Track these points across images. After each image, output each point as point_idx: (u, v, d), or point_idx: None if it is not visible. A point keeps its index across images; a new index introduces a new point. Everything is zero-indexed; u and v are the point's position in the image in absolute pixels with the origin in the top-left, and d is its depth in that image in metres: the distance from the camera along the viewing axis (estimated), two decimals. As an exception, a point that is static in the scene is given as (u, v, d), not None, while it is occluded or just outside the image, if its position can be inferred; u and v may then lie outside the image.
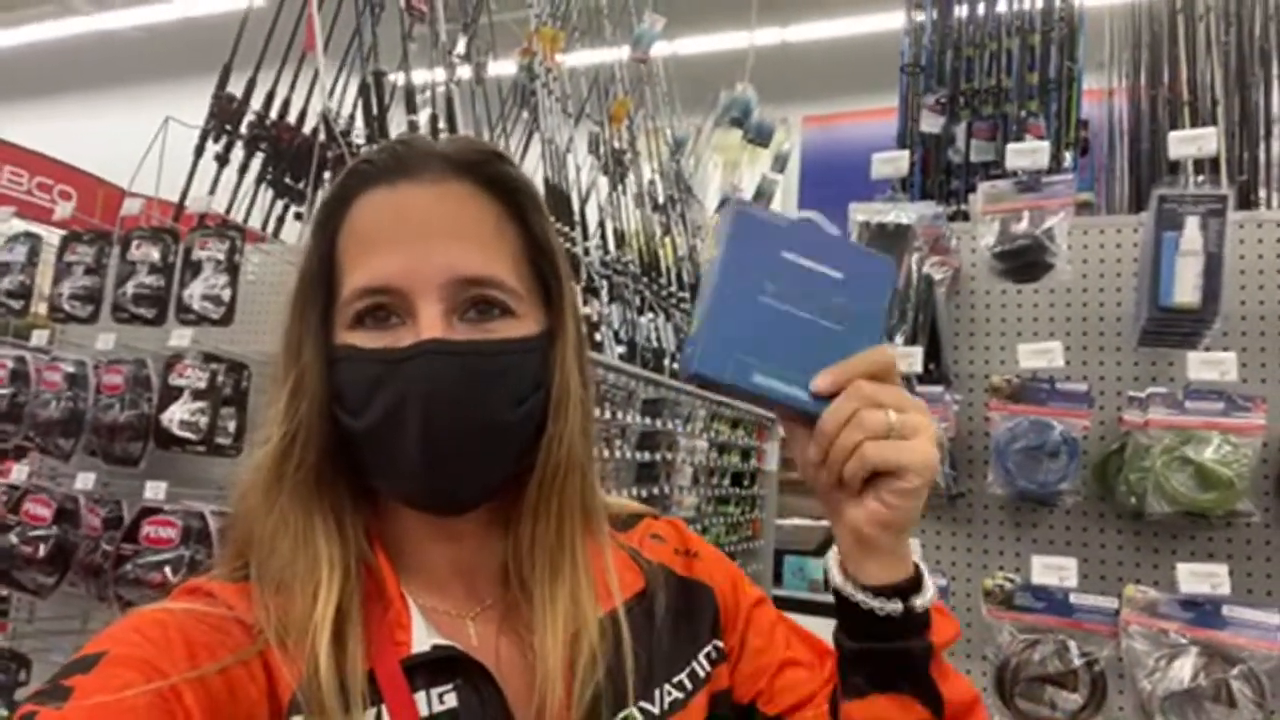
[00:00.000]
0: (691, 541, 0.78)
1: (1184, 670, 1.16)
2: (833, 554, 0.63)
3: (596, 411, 2.56)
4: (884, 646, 0.61)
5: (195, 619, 0.58)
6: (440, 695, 0.60)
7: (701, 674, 0.70)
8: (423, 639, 0.62)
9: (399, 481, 0.62)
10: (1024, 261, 1.40)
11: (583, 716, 0.61)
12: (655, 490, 3.03)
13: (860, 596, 0.60)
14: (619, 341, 2.94)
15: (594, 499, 0.68)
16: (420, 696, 0.59)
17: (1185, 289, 1.27)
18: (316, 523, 0.62)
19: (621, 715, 0.63)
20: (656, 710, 0.66)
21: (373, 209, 0.63)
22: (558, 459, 0.64)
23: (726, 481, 3.94)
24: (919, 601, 0.60)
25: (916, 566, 0.62)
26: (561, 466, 0.64)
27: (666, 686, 0.67)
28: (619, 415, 2.73)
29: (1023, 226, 1.39)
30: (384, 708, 0.58)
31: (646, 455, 2.94)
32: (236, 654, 0.57)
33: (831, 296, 0.58)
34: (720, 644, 0.73)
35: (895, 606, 0.60)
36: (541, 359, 0.65)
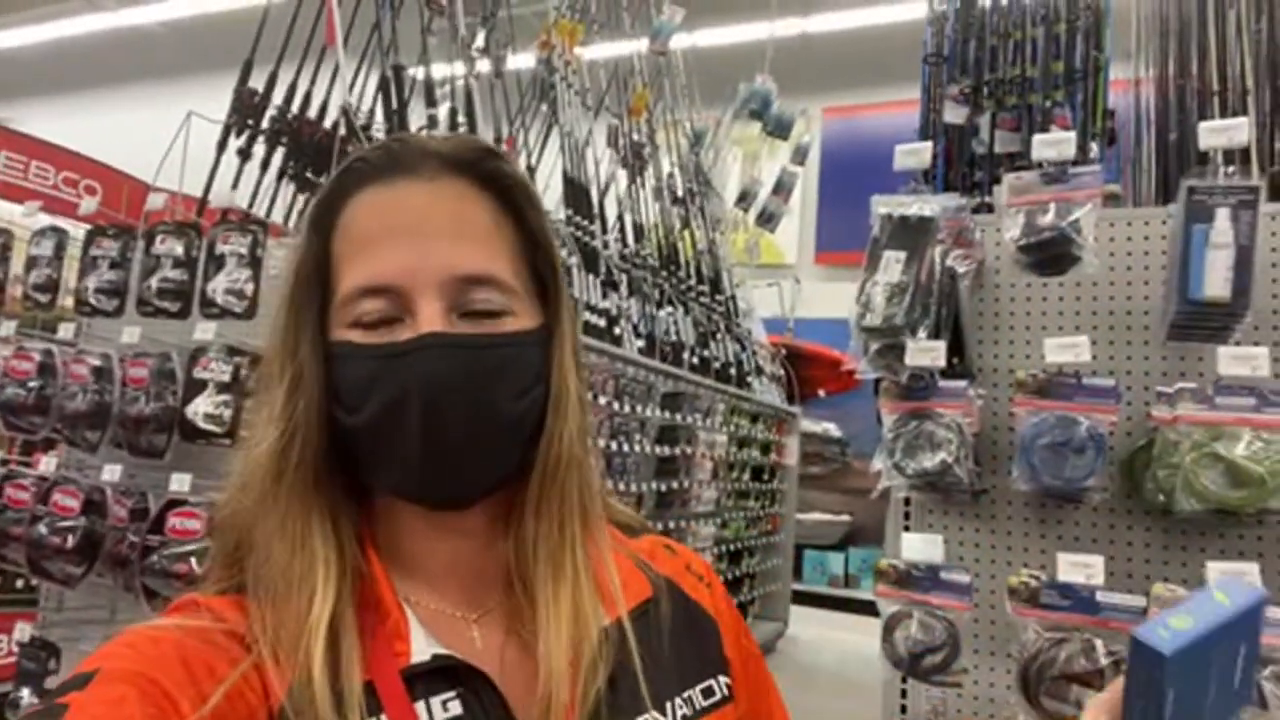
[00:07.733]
0: (703, 569, 0.78)
1: (1213, 670, 1.14)
2: None
3: (615, 405, 2.57)
4: None
5: (188, 633, 0.58)
6: (443, 703, 0.60)
7: (706, 702, 0.68)
8: (422, 648, 0.61)
9: (400, 476, 0.62)
10: (1050, 254, 1.38)
11: None
12: (675, 484, 3.01)
13: None
14: (638, 335, 2.94)
15: (592, 500, 0.68)
16: (420, 706, 0.59)
17: (1215, 282, 1.25)
18: (314, 523, 0.61)
19: None
20: None
21: (369, 207, 0.63)
22: (557, 455, 0.64)
23: (746, 476, 3.93)
24: None
25: None
26: (561, 463, 0.64)
27: (677, 700, 0.66)
28: (638, 409, 2.72)
29: (1049, 219, 1.37)
30: (384, 718, 0.58)
31: (666, 449, 2.93)
32: (234, 669, 0.56)
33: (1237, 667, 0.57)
34: (729, 682, 0.71)
35: None
36: (540, 353, 0.65)
